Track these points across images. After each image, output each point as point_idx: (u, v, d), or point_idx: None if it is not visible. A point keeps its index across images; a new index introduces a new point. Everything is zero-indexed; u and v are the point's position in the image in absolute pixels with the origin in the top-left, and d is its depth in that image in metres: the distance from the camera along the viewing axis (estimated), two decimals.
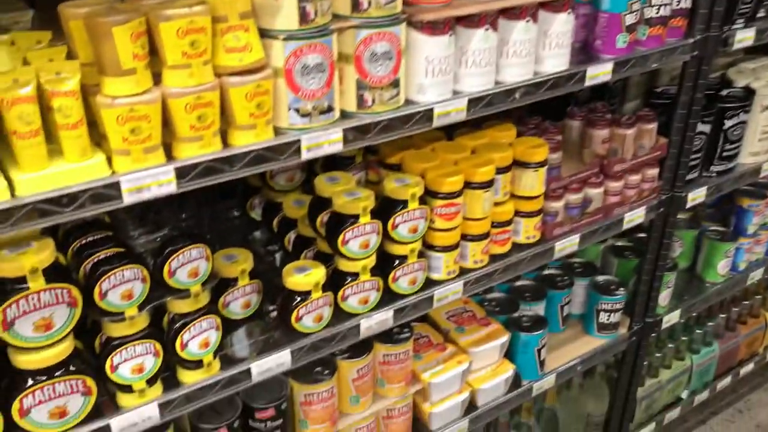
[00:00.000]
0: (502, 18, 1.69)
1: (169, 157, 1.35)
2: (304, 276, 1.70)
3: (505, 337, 2.22)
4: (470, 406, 2.20)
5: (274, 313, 1.82)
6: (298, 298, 1.69)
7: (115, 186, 1.27)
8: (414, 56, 1.59)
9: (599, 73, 1.92)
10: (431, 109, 1.61)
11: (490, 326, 2.26)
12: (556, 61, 1.83)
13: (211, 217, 2.25)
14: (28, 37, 1.36)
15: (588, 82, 1.90)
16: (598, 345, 2.53)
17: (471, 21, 1.63)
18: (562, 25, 1.79)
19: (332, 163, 2.06)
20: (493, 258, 2.03)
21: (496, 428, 2.44)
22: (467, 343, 2.18)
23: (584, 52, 1.99)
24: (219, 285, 1.66)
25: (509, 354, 2.28)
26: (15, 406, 1.35)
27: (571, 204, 2.16)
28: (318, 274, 1.71)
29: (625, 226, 2.32)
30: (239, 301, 1.74)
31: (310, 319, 1.71)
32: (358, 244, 1.71)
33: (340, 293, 1.75)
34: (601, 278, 2.57)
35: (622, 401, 2.76)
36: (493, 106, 1.72)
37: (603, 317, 2.53)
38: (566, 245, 2.15)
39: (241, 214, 2.27)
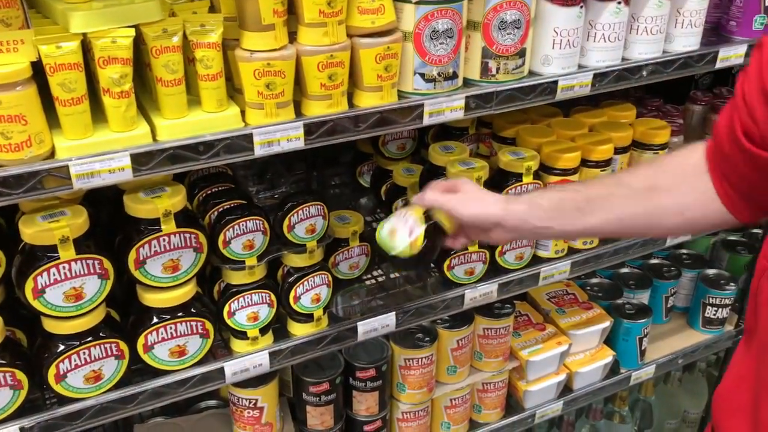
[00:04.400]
0: None
1: (298, 114, 1.39)
2: None
3: (607, 323, 2.17)
4: (566, 388, 2.18)
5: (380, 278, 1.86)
6: None
7: (248, 138, 1.31)
8: (542, 27, 1.56)
9: (732, 55, 1.83)
10: (555, 82, 1.59)
11: (591, 310, 2.22)
12: (687, 41, 1.76)
13: (320, 180, 2.31)
14: None
15: (719, 64, 1.81)
16: (701, 340, 2.44)
17: None
18: (697, 3, 1.72)
19: (444, 133, 2.07)
20: (604, 240, 1.99)
21: (589, 414, 2.40)
22: (568, 326, 2.15)
23: (716, 33, 1.91)
24: (331, 244, 1.70)
25: (609, 340, 2.24)
26: (140, 341, 1.44)
27: None
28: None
29: None
30: (348, 262, 1.78)
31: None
32: None
33: (447, 263, 1.76)
34: (710, 271, 2.48)
35: None
36: (618, 83, 1.67)
37: (710, 312, 2.44)
38: None
39: (348, 180, 2.31)
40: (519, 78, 1.56)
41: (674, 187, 1.14)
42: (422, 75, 1.46)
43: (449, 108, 1.49)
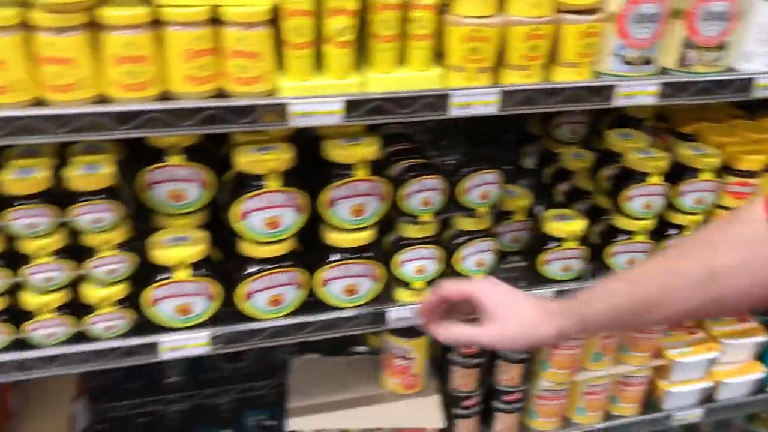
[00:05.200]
0: None
1: (493, 81, 1.45)
2: (564, 224, 1.73)
3: (762, 337, 2.10)
4: (709, 397, 2.13)
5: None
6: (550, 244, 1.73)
7: (447, 98, 1.39)
8: (748, 21, 1.54)
9: None
10: (754, 79, 1.55)
11: (747, 322, 2.15)
12: None
13: (482, 156, 2.35)
14: None
15: None
16: None
17: None
18: None
19: (620, 123, 2.05)
20: None
21: (727, 428, 2.33)
22: (720, 334, 2.10)
23: None
24: (497, 215, 1.75)
25: (761, 356, 2.16)
26: (320, 275, 1.56)
27: None
28: (577, 225, 1.73)
29: None
30: (511, 235, 1.83)
31: (558, 266, 1.74)
32: (642, 203, 1.71)
33: (611, 249, 1.77)
34: None
35: None
36: None
37: None
38: None
39: (510, 160, 2.34)
40: (717, 71, 1.55)
41: (737, 265, 1.00)
42: (621, 57, 1.47)
43: (643, 92, 1.50)
